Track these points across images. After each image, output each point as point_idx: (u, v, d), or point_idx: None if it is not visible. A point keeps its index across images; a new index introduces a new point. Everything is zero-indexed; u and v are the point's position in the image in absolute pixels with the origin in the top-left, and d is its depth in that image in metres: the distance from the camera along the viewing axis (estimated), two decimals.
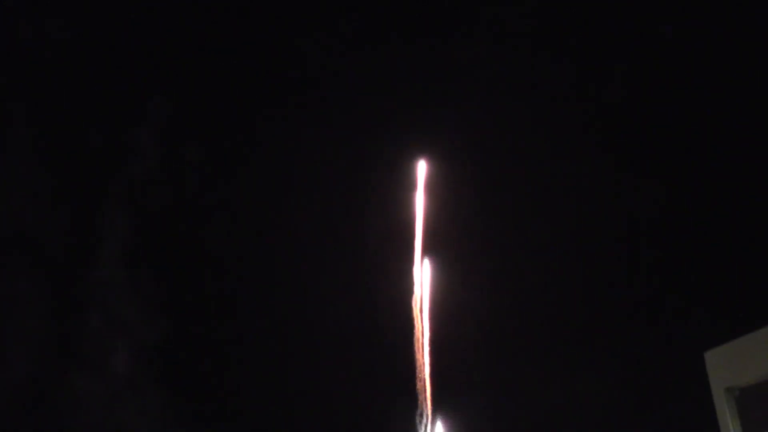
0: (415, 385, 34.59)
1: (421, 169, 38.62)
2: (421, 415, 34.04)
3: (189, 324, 41.70)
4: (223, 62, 44.51)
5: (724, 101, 33.96)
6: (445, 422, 34.55)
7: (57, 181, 40.50)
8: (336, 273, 41.57)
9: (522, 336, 34.76)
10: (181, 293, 42.12)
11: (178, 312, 41.44)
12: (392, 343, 35.94)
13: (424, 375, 34.21)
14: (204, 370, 41.53)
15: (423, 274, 36.00)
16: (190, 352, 41.50)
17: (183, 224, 43.05)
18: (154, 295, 40.79)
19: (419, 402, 34.45)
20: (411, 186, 38.54)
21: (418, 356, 34.56)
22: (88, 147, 41.78)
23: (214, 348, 41.68)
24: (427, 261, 36.53)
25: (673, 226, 34.00)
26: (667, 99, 36.60)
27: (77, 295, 40.13)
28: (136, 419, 38.25)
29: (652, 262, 33.51)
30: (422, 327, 34.52)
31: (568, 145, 38.02)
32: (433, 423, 34.30)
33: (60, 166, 40.90)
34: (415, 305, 35.13)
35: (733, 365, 21.21)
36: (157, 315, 40.17)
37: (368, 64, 41.81)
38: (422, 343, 34.55)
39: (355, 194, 41.95)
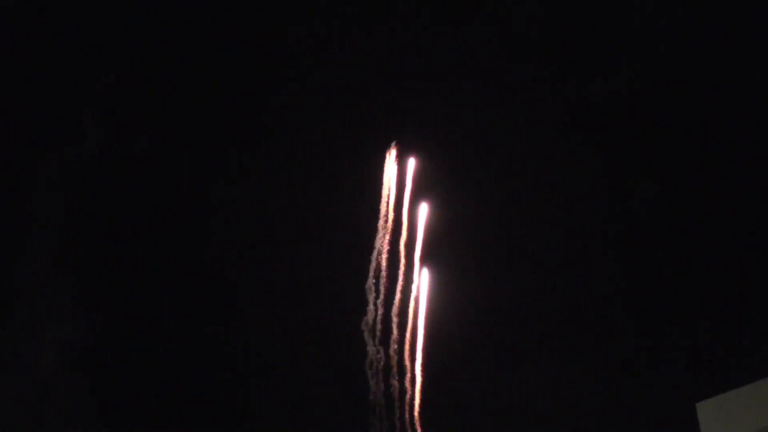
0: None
1: (391, 164, 36.52)
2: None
3: (122, 323, 39.02)
4: (175, 41, 41.43)
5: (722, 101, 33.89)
6: None
7: None
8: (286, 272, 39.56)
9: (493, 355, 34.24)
10: (115, 291, 39.25)
11: (110, 311, 38.73)
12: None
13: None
14: (135, 373, 38.98)
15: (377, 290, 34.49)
16: (123, 354, 38.86)
17: (122, 217, 40.02)
18: (85, 292, 38.04)
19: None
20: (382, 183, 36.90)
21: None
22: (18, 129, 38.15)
23: (147, 350, 39.14)
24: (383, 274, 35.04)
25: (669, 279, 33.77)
26: (669, 98, 36.00)
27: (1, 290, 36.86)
28: (61, 424, 35.99)
29: (652, 304, 33.37)
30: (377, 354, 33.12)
31: (561, 146, 36.97)
32: None
33: None
34: (367, 329, 33.53)
35: (724, 417, 21.42)
36: (89, 313, 37.59)
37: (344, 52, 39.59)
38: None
39: (317, 186, 39.82)
